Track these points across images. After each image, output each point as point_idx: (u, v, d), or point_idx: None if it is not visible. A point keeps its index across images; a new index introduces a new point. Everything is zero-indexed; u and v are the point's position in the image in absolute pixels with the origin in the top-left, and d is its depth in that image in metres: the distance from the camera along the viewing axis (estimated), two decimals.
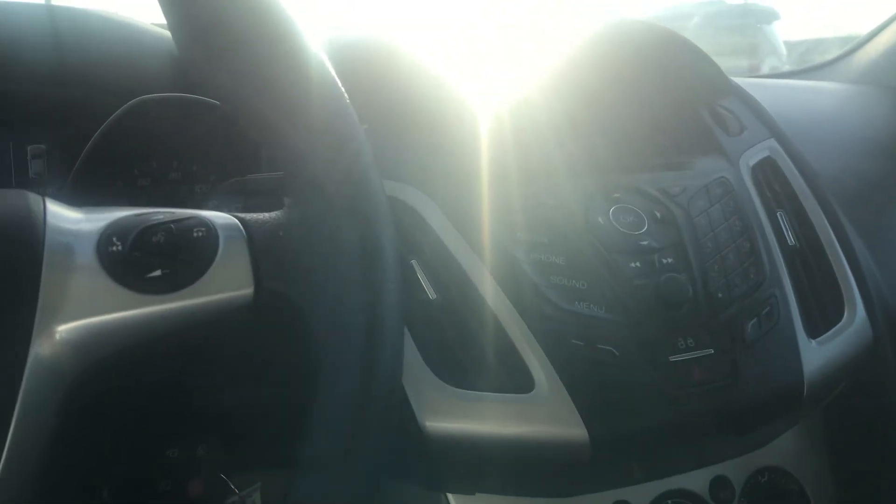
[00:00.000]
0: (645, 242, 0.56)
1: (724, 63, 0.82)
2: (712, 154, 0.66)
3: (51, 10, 0.61)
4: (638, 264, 0.54)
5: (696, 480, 0.58)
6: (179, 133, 0.63)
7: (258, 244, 0.36)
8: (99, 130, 0.59)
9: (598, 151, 0.66)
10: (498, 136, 0.62)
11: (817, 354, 0.56)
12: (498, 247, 0.53)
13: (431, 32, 0.77)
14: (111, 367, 0.33)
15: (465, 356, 0.50)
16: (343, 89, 0.41)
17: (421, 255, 0.52)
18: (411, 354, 0.49)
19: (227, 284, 0.35)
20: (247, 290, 0.35)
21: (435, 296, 0.51)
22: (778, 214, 0.64)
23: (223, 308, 0.35)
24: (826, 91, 1.13)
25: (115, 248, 0.34)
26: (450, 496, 0.54)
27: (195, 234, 0.35)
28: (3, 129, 0.63)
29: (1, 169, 0.64)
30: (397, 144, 0.59)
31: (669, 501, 0.57)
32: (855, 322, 0.59)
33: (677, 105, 0.72)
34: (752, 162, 0.67)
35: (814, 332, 0.58)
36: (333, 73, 0.41)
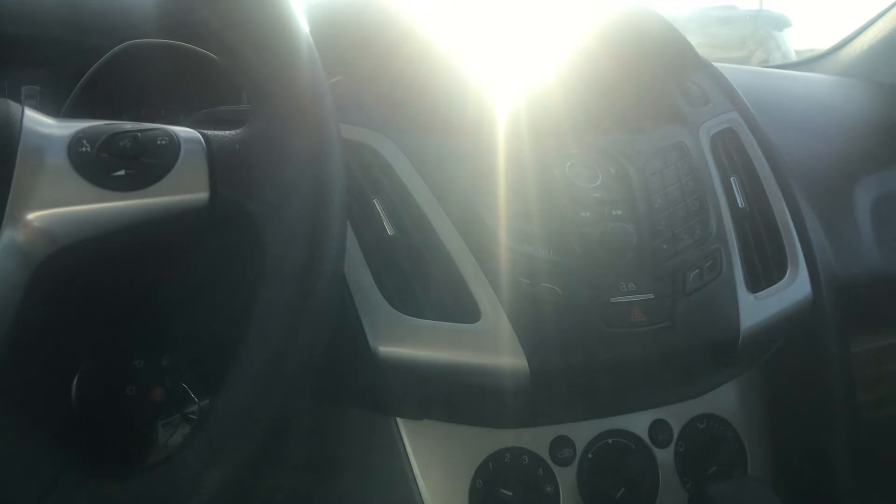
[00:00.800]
0: (597, 195, 0.59)
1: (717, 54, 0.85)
2: (674, 122, 0.69)
3: None
4: (588, 214, 0.58)
5: (636, 422, 0.61)
6: (167, 79, 0.66)
7: (216, 154, 0.39)
8: (87, 73, 0.63)
9: (562, 113, 0.69)
10: (465, 93, 0.66)
11: (755, 308, 0.59)
12: (456, 191, 0.56)
13: None
14: (77, 254, 0.36)
15: (418, 288, 0.53)
16: (307, 31, 0.44)
17: (383, 195, 0.56)
18: (367, 284, 0.52)
19: (184, 188, 0.38)
20: (202, 195, 0.38)
21: (393, 232, 0.55)
22: (732, 179, 0.67)
23: (180, 209, 0.38)
24: (806, 80, 1.16)
25: (84, 150, 0.37)
26: (399, 421, 0.57)
27: (159, 142, 0.39)
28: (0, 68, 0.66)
29: None
30: (370, 94, 0.62)
31: (610, 440, 0.60)
32: (796, 281, 0.62)
33: (647, 77, 0.75)
34: (713, 131, 0.70)
35: (755, 287, 0.61)
36: (301, 17, 0.44)
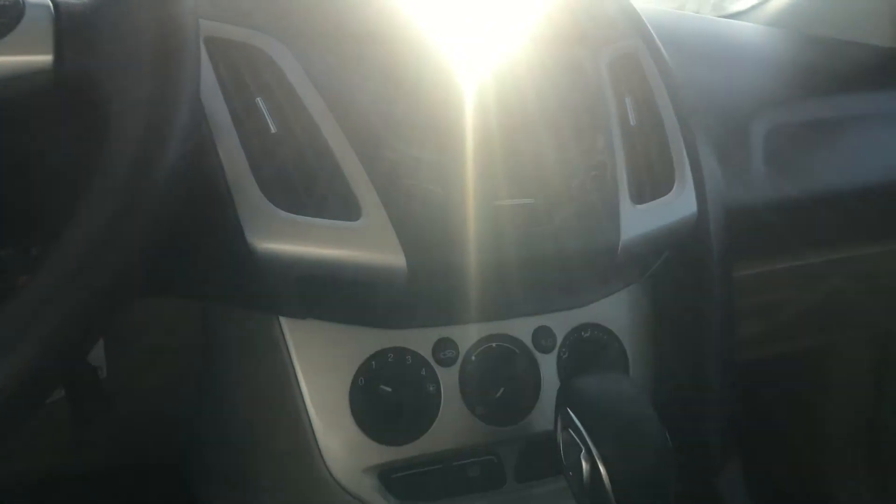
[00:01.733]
0: (488, 102, 0.60)
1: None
2: (575, 43, 0.70)
3: None
4: (476, 121, 0.58)
5: (521, 328, 0.63)
6: None
7: (63, 18, 0.38)
8: None
9: (465, 24, 0.69)
10: (366, 6, 0.65)
11: (637, 219, 0.61)
12: (345, 94, 0.56)
13: None
14: None
15: (299, 185, 0.53)
16: None
17: (267, 94, 0.55)
18: (246, 179, 0.52)
19: (27, 49, 0.37)
20: (46, 57, 0.38)
21: (275, 129, 0.54)
22: (626, 99, 0.68)
23: (23, 70, 0.37)
24: (724, 24, 1.19)
25: None
26: (282, 321, 0.57)
27: (2, 3, 0.37)
28: None
29: None
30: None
31: (493, 344, 0.62)
32: (681, 197, 0.64)
33: (559, 6, 0.75)
34: (614, 55, 0.71)
35: (640, 201, 0.62)
36: None
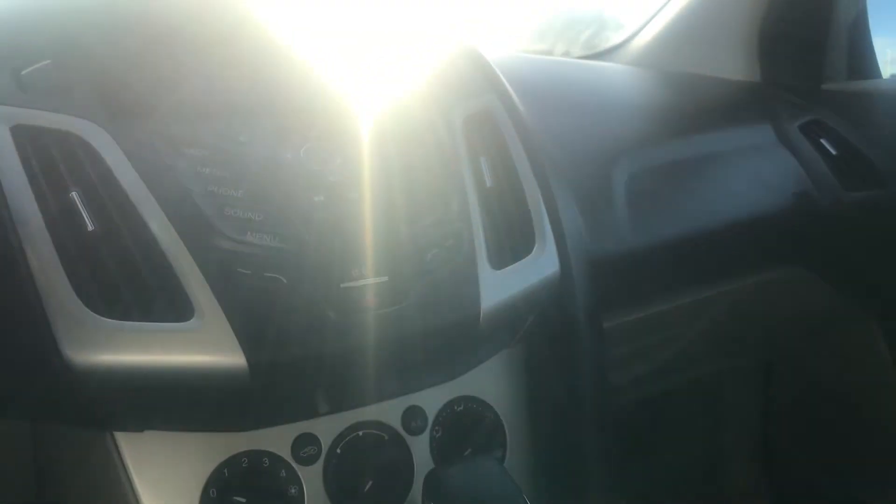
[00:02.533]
0: (333, 178, 0.57)
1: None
2: (426, 105, 0.68)
3: None
4: (321, 198, 0.55)
5: (389, 412, 0.60)
6: None
7: None
8: None
9: (304, 94, 0.66)
10: (192, 76, 0.61)
11: (498, 284, 0.59)
12: (173, 181, 0.52)
13: None
14: None
15: (123, 287, 0.48)
16: None
17: (85, 186, 0.50)
18: (60, 285, 0.47)
19: None
20: None
21: (93, 227, 0.49)
22: (481, 160, 0.67)
23: None
24: (587, 67, 1.21)
25: None
26: (116, 436, 0.52)
27: None
28: None
29: None
30: (86, 82, 0.56)
31: (360, 432, 0.58)
32: (542, 257, 0.63)
33: (406, 64, 0.74)
34: (467, 113, 0.70)
35: (500, 265, 0.60)
36: None
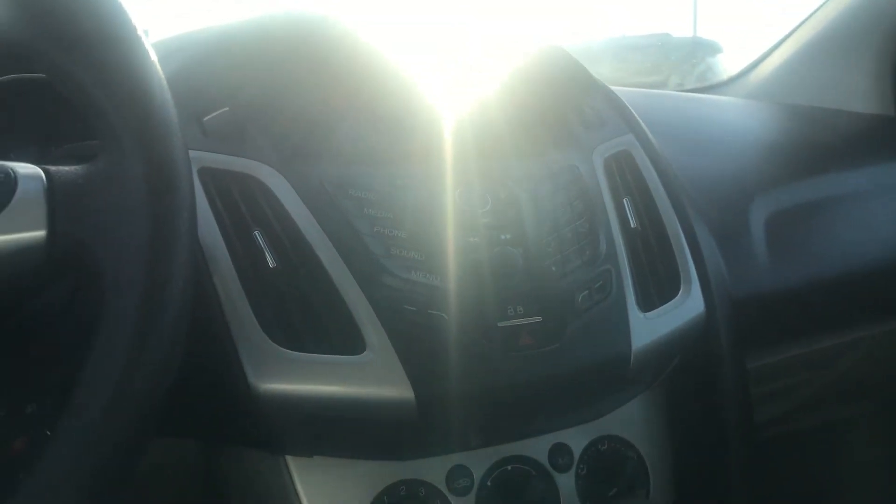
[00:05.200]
0: (486, 220, 0.59)
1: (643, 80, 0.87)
2: (567, 146, 0.70)
3: None
4: (476, 239, 0.58)
5: (536, 447, 0.61)
6: (21, 116, 0.63)
7: (57, 190, 0.38)
8: None
9: (455, 141, 0.69)
10: (355, 123, 0.65)
11: (647, 327, 0.59)
12: (342, 221, 0.56)
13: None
14: None
15: (301, 321, 0.52)
16: (154, 60, 0.43)
17: (265, 226, 0.55)
18: (246, 318, 0.51)
19: (19, 226, 0.36)
20: (39, 232, 0.37)
21: (275, 264, 0.53)
22: (624, 200, 0.68)
23: (14, 248, 0.36)
24: (710, 102, 1.20)
25: None
26: (288, 459, 0.55)
27: None
28: None
29: None
30: (256, 125, 0.61)
31: (509, 467, 0.59)
32: (688, 299, 0.63)
33: (543, 104, 0.76)
34: (607, 154, 0.71)
35: (648, 307, 0.61)
36: (147, 45, 0.43)
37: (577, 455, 0.62)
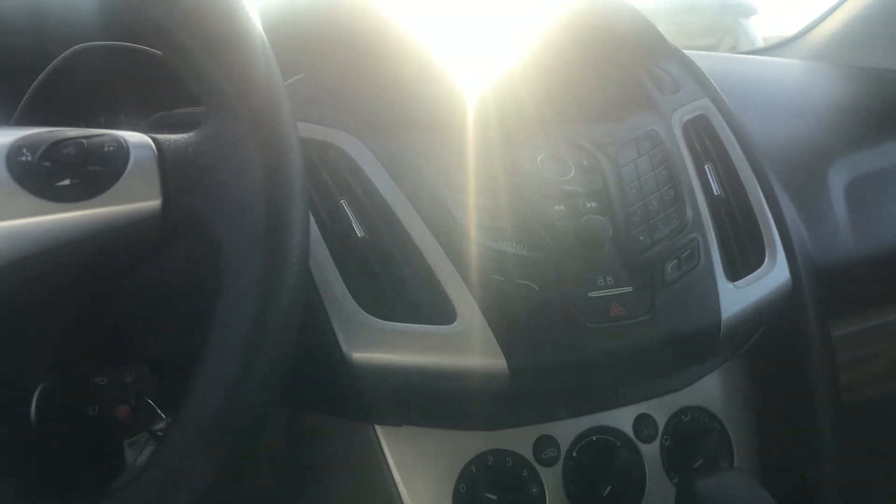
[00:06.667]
0: (570, 188, 0.58)
1: (687, 42, 0.85)
2: (645, 110, 0.68)
3: None
4: (562, 207, 0.57)
5: (621, 418, 0.60)
6: (120, 83, 0.63)
7: (168, 159, 0.37)
8: (36, 80, 0.60)
9: (532, 105, 0.67)
10: (431, 89, 0.64)
11: (735, 296, 0.58)
12: (426, 190, 0.55)
13: None
14: (25, 270, 0.34)
15: (390, 290, 0.52)
16: (260, 29, 0.42)
17: (351, 196, 0.54)
18: (337, 288, 0.51)
19: (135, 196, 0.36)
20: (154, 202, 0.36)
21: (363, 234, 0.53)
22: (706, 167, 0.66)
23: (132, 218, 0.36)
24: (775, 64, 1.16)
25: (24, 159, 0.35)
26: (377, 429, 0.55)
27: (106, 149, 0.36)
28: None
29: None
30: (334, 93, 0.60)
31: (594, 437, 0.59)
32: (774, 268, 0.62)
33: (616, 66, 0.74)
34: (685, 119, 0.69)
35: (734, 276, 0.60)
36: (253, 15, 0.42)
37: (661, 426, 0.61)
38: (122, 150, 0.37)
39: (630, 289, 0.54)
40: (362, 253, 0.52)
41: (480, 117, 0.63)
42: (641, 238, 0.57)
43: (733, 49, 1.66)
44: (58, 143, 0.36)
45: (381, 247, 0.53)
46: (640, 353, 0.54)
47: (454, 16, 0.71)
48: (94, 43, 0.59)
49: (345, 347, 0.49)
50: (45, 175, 0.35)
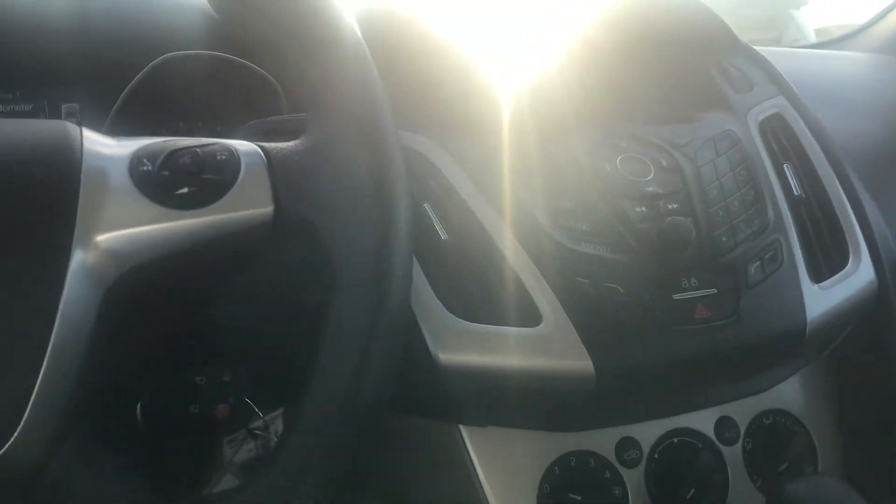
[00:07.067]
0: (650, 189, 0.58)
1: (747, 36, 0.84)
2: (720, 109, 0.68)
3: None
4: (643, 209, 0.56)
5: (702, 420, 0.60)
6: (205, 90, 0.65)
7: (277, 167, 0.39)
8: (128, 87, 0.62)
9: (607, 105, 0.67)
10: (509, 91, 0.65)
11: (820, 298, 0.57)
12: (506, 192, 0.55)
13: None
14: (145, 275, 0.36)
15: (475, 292, 0.52)
16: (360, 38, 0.43)
17: (433, 199, 0.55)
18: (424, 290, 0.51)
19: (248, 203, 0.38)
20: (267, 209, 0.38)
21: (446, 236, 0.54)
22: (785, 166, 0.65)
23: (245, 225, 0.37)
24: (842, 59, 1.13)
25: (145, 168, 0.37)
26: (462, 429, 0.56)
27: (219, 158, 0.38)
28: (38, 87, 0.66)
29: None
30: (415, 99, 0.61)
31: (675, 439, 0.59)
32: (859, 269, 0.61)
33: (687, 62, 0.73)
34: (761, 117, 0.69)
35: (818, 277, 0.59)
36: (356, 26, 0.43)
37: (742, 428, 0.60)
38: (234, 158, 0.38)
39: (714, 291, 0.54)
40: (446, 256, 0.53)
41: (556, 118, 0.63)
42: (724, 239, 0.57)
43: (795, 42, 1.62)
44: (174, 153, 0.37)
45: (464, 249, 0.53)
46: (726, 356, 0.54)
47: (526, 18, 0.71)
48: (184, 52, 0.61)
49: (432, 348, 0.50)
50: (164, 184, 0.36)
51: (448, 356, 0.51)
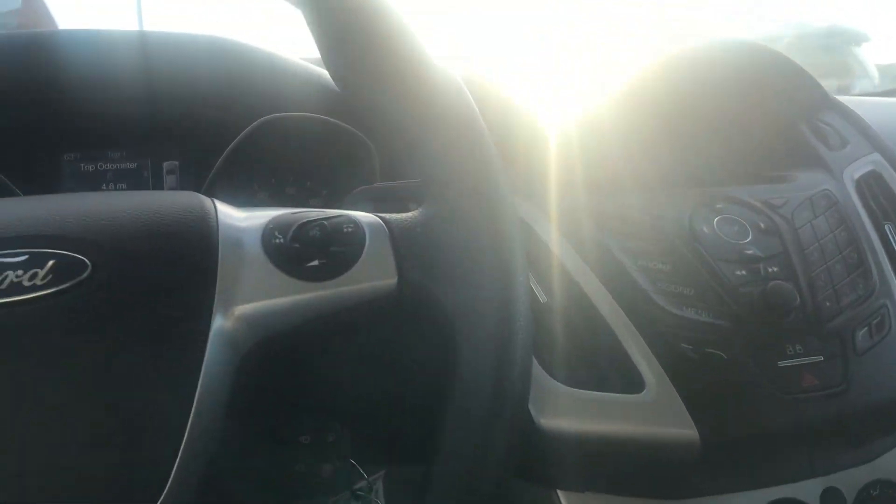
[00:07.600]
0: (750, 251, 0.57)
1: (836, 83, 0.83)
2: (814, 168, 0.67)
3: (195, 39, 0.67)
4: (744, 272, 0.56)
5: (807, 490, 0.57)
6: (301, 151, 0.68)
7: (399, 239, 0.40)
8: (229, 147, 0.65)
9: (699, 164, 0.67)
10: (603, 150, 0.65)
11: None
12: (605, 254, 0.55)
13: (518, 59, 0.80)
14: (276, 344, 0.37)
15: (576, 357, 0.52)
16: (476, 108, 0.44)
17: (530, 261, 0.55)
18: None
19: (373, 274, 0.39)
20: (391, 280, 0.39)
21: (545, 299, 0.54)
22: (886, 227, 0.64)
23: (371, 296, 0.38)
24: None
25: (277, 241, 0.38)
26: (560, 493, 0.55)
27: (345, 230, 0.39)
28: (142, 146, 0.69)
29: (140, 183, 0.71)
30: (506, 160, 0.62)
31: None
32: None
33: (776, 119, 0.73)
34: (857, 175, 0.67)
35: None
36: (468, 94, 0.44)
37: (850, 501, 0.58)
38: (359, 230, 0.39)
39: (821, 358, 0.53)
40: (546, 319, 0.53)
41: (649, 177, 0.63)
42: (828, 304, 0.55)
43: (866, 91, 1.59)
44: (304, 226, 0.39)
45: (564, 313, 0.53)
46: (835, 425, 0.52)
47: (614, 75, 0.72)
48: (286, 114, 0.64)
49: (534, 413, 0.50)
50: (295, 256, 0.38)
51: (549, 421, 0.50)
